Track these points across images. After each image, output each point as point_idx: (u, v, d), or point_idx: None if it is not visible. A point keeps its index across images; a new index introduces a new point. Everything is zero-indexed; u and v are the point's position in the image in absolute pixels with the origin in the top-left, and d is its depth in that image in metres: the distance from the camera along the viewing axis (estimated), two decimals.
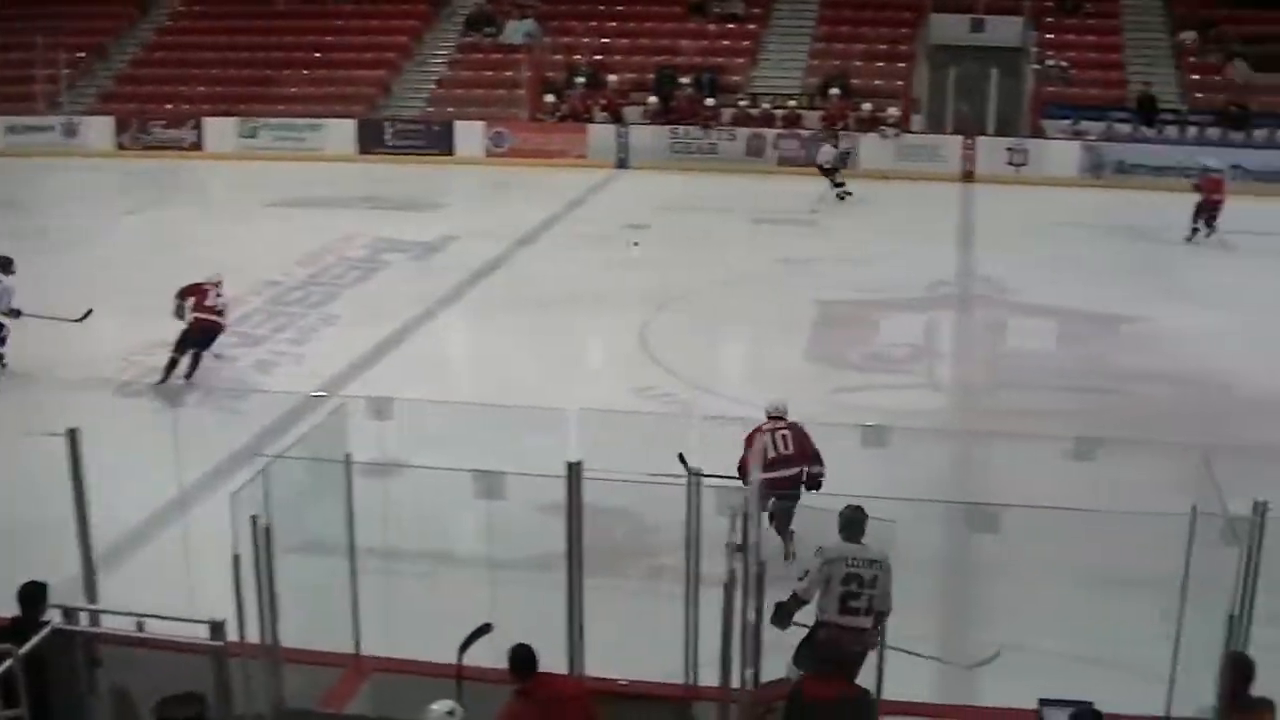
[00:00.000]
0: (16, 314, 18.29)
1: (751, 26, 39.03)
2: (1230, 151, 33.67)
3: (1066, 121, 35.01)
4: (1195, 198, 28.00)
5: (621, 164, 34.72)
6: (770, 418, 14.02)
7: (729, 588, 9.10)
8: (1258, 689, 8.92)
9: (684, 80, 36.40)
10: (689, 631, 10.04)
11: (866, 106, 35.04)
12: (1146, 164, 33.88)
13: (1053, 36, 37.82)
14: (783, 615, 10.38)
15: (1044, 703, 9.35)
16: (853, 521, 10.41)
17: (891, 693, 9.17)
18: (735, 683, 9.32)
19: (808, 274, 24.51)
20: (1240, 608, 8.93)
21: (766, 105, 35.68)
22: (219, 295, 18.38)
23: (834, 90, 35.31)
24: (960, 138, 34.76)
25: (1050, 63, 36.48)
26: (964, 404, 18.81)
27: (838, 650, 9.90)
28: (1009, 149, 34.42)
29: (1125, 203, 31.53)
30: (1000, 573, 13.19)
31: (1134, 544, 11.39)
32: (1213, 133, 34.62)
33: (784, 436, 13.78)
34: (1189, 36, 37.39)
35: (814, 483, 13.66)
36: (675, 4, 39.67)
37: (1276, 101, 35.24)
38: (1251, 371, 20.03)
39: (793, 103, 35.91)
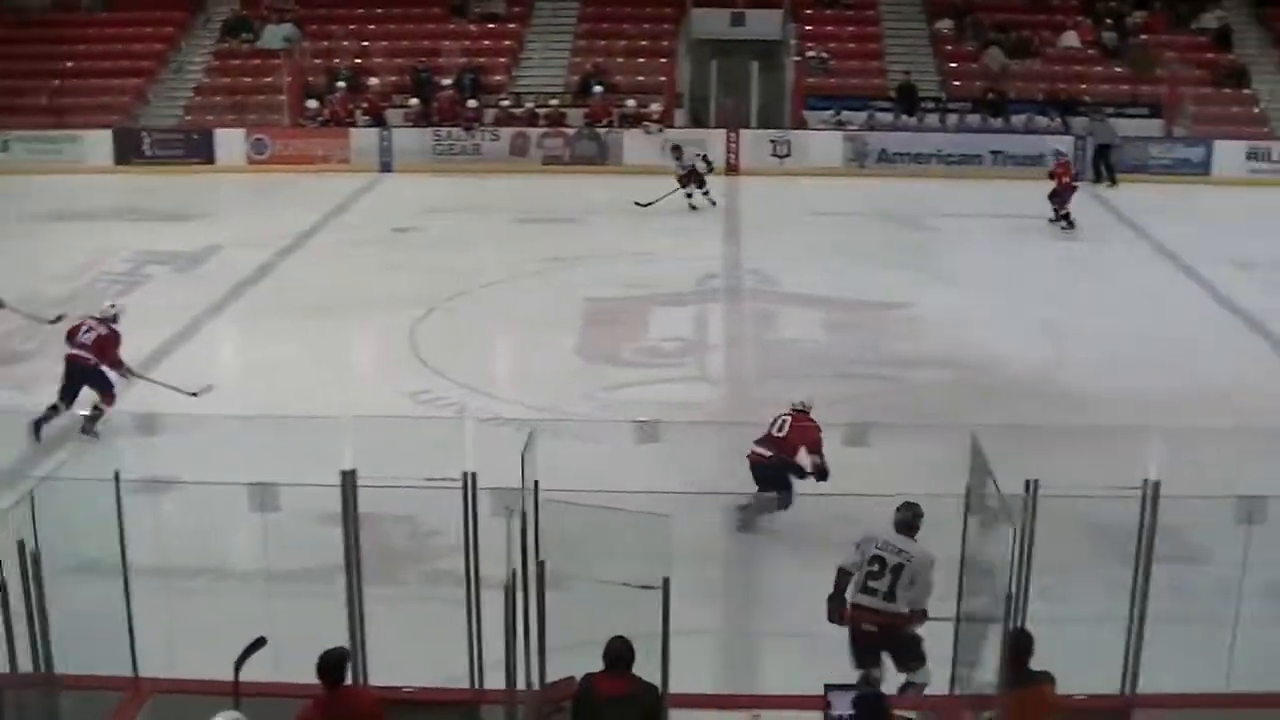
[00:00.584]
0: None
1: (512, 26, 38.92)
2: (988, 138, 34.49)
3: (828, 112, 35.45)
4: (1048, 185, 28.57)
5: (385, 168, 34.34)
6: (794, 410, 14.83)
7: (510, 589, 9.02)
8: (1036, 663, 9.09)
9: (445, 82, 36.14)
10: (472, 635, 9.94)
11: (630, 103, 35.13)
12: (908, 152, 34.51)
13: (812, 28, 38.33)
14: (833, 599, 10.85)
15: (829, 687, 9.40)
16: (904, 521, 10.73)
17: (678, 685, 9.14)
18: (521, 684, 9.25)
19: (576, 272, 24.51)
20: (1016, 585, 9.07)
21: (529, 105, 35.56)
22: (88, 329, 17.09)
23: (597, 88, 35.34)
24: (724, 131, 34.97)
25: (811, 54, 36.94)
26: (736, 395, 18.92)
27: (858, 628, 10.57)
28: (772, 141, 34.78)
29: (889, 191, 32.07)
30: (780, 561, 13.29)
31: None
32: (972, 119, 35.35)
33: (785, 421, 14.65)
34: (945, 25, 38.20)
35: (800, 473, 14.27)
36: (435, 5, 39.38)
37: (1031, 87, 36.14)
38: (1016, 351, 20.52)
39: (555, 101, 35.85)
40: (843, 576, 10.79)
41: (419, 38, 38.38)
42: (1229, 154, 34.41)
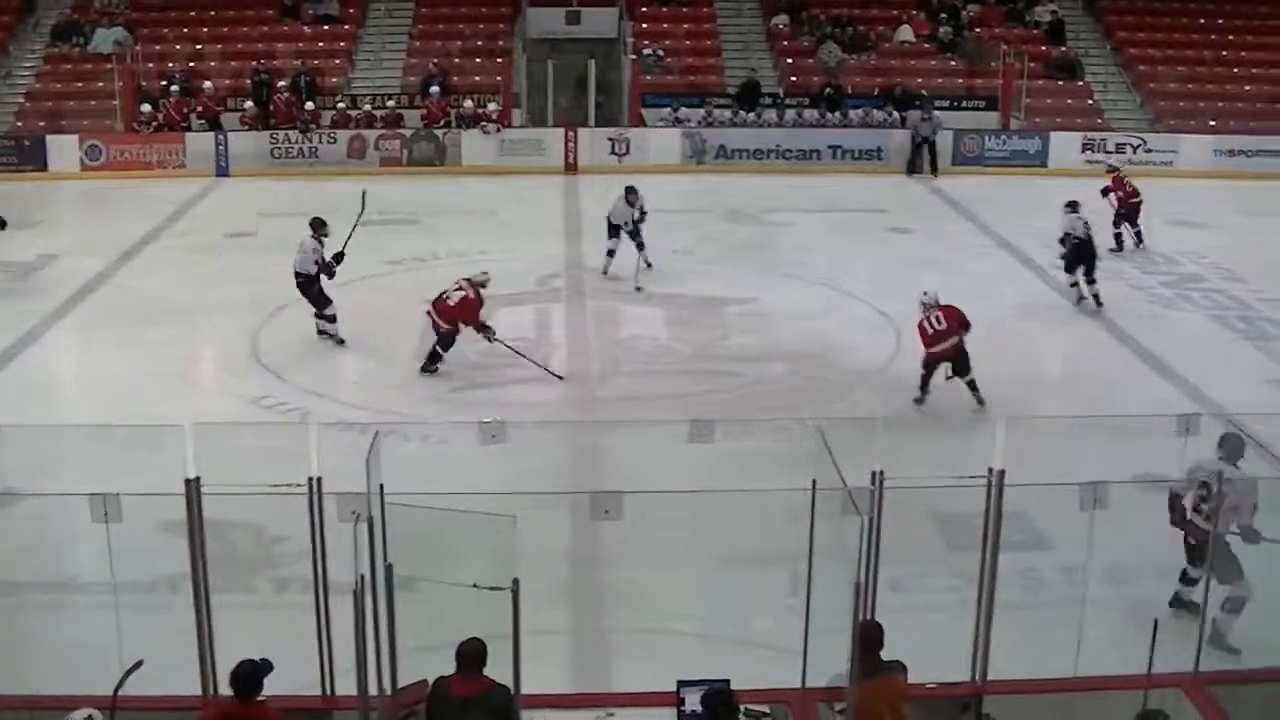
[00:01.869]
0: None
1: (347, 27, 38.58)
2: (825, 133, 34.76)
3: (666, 109, 35.49)
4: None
5: (221, 172, 33.81)
6: (926, 307, 18.21)
7: (358, 594, 8.90)
8: (887, 653, 9.13)
9: (281, 84, 35.69)
10: (322, 640, 9.81)
11: (468, 103, 34.91)
12: (747, 148, 34.66)
13: (648, 26, 38.41)
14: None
15: (682, 684, 9.38)
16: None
17: (531, 685, 9.08)
18: (373, 689, 9.13)
19: (418, 274, 24.28)
20: (865, 576, 9.10)
21: (366, 106, 35.20)
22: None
23: (434, 88, 35.08)
24: (562, 130, 34.90)
25: (647, 52, 36.98)
26: (581, 394, 18.86)
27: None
28: (611, 139, 34.73)
29: (728, 187, 32.18)
30: (630, 559, 13.26)
31: (759, 521, 11.56)
32: (809, 115, 35.58)
33: (938, 316, 18.08)
34: (781, 21, 38.45)
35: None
36: (268, 6, 38.92)
37: (867, 82, 36.48)
38: (858, 343, 20.66)
39: (392, 103, 35.55)
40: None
41: (253, 40, 37.89)
42: (1064, 145, 35.02)
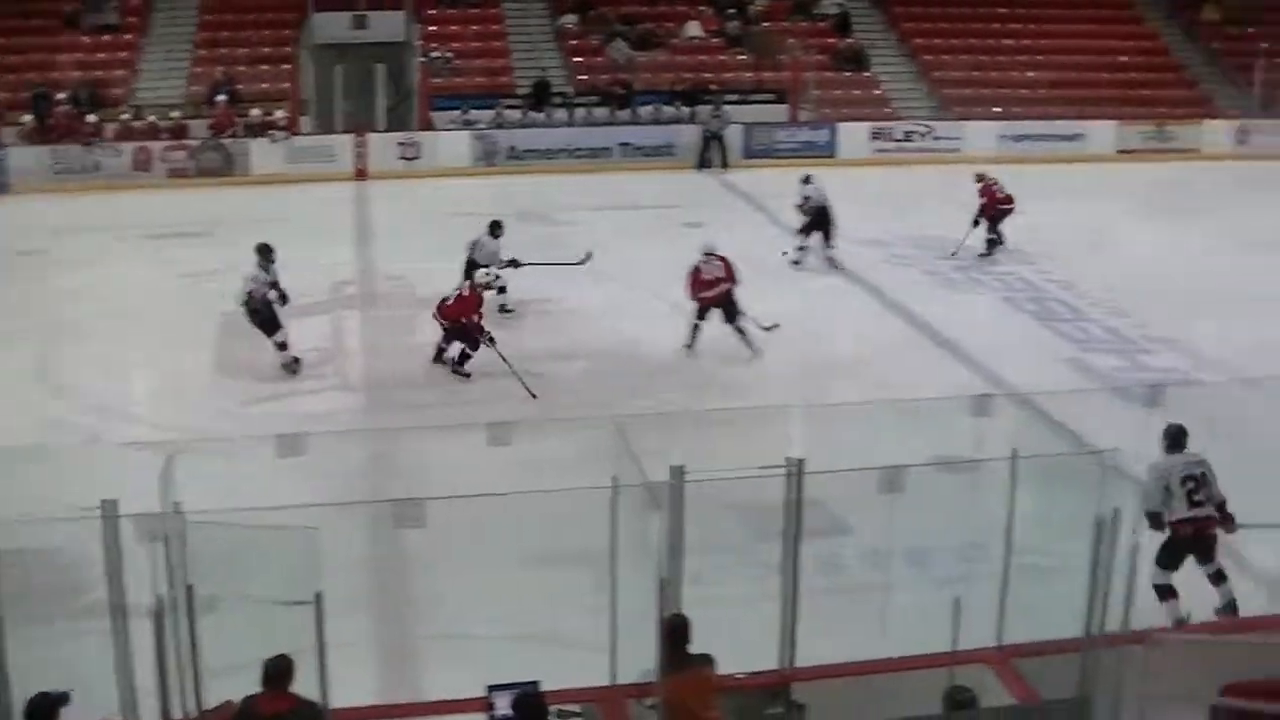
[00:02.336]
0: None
1: (129, 37, 37.67)
2: (616, 130, 34.84)
3: (456, 112, 35.28)
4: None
5: (1, 188, 32.92)
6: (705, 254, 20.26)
7: (158, 616, 8.70)
8: (695, 646, 9.12)
9: (60, 97, 34.78)
10: (122, 666, 9.55)
11: (255, 112, 34.39)
12: (538, 148, 34.59)
13: (436, 28, 38.13)
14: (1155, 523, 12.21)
15: (491, 688, 9.30)
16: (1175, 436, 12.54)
17: (340, 699, 8.93)
18: (177, 712, 8.93)
19: (210, 285, 23.80)
20: (670, 570, 9.09)
21: (151, 117, 34.47)
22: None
23: (220, 97, 34.47)
24: (351, 136, 34.54)
25: (435, 54, 36.73)
26: (379, 402, 18.66)
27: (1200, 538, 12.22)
28: (400, 144, 34.44)
29: (520, 188, 32.04)
30: (435, 565, 13.12)
31: (563, 521, 11.49)
32: (600, 113, 35.62)
33: (715, 264, 20.18)
34: (570, 20, 38.42)
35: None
36: (48, 17, 37.92)
37: (657, 79, 36.59)
38: (656, 339, 20.69)
39: (177, 113, 34.84)
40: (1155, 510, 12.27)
41: (31, 52, 36.87)
42: (853, 135, 35.48)
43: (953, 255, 26.25)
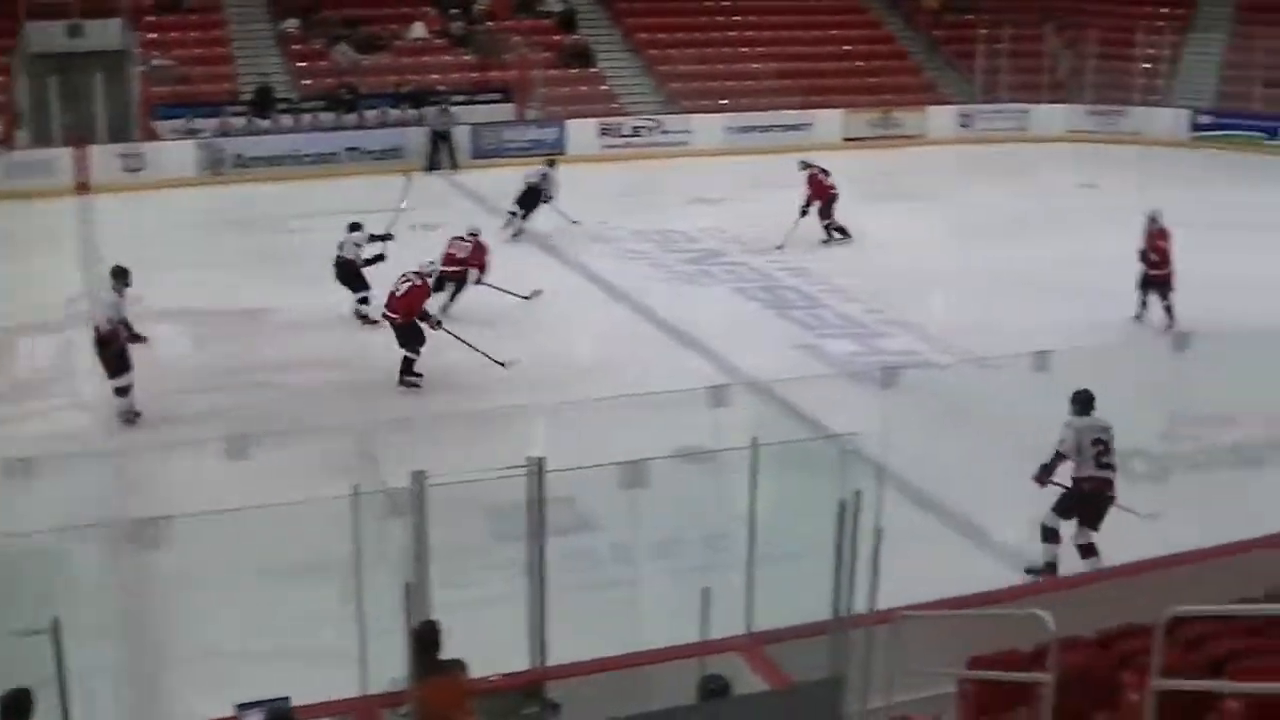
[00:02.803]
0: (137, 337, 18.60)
1: None
2: (343, 135, 34.50)
3: (180, 121, 34.56)
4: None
5: None
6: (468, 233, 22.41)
7: None
8: (448, 651, 9.07)
9: None
10: None
11: None
12: (265, 155, 34.04)
13: (155, 36, 37.18)
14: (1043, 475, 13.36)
15: (241, 707, 9.12)
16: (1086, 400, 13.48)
17: None
18: None
19: None
20: (416, 575, 9.02)
21: None
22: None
23: None
24: (70, 149, 33.58)
25: (156, 63, 35.91)
26: (111, 421, 18.17)
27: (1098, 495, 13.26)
28: (123, 155, 33.56)
29: (247, 196, 31.56)
30: (181, 584, 12.87)
31: (307, 532, 11.35)
32: (326, 118, 35.21)
33: (468, 247, 22.29)
34: (292, 24, 37.85)
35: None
36: None
37: (383, 81, 36.27)
38: (391, 344, 20.49)
39: None
40: (1057, 460, 13.36)
41: None
42: (581, 132, 35.61)
43: (779, 249, 26.60)
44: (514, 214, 26.88)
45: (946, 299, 23.88)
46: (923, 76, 41.45)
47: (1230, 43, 41.91)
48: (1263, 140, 38.57)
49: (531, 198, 27.31)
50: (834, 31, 41.88)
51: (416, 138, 34.70)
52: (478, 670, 9.28)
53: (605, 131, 35.94)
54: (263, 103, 35.01)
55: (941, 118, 39.85)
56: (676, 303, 22.88)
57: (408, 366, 19.14)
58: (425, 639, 8.95)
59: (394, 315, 19.27)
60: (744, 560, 10.81)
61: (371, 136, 34.76)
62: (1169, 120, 40.06)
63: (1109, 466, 13.44)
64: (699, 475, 12.46)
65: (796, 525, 11.77)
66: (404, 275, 19.63)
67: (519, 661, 10.03)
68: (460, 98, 35.89)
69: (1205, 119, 39.79)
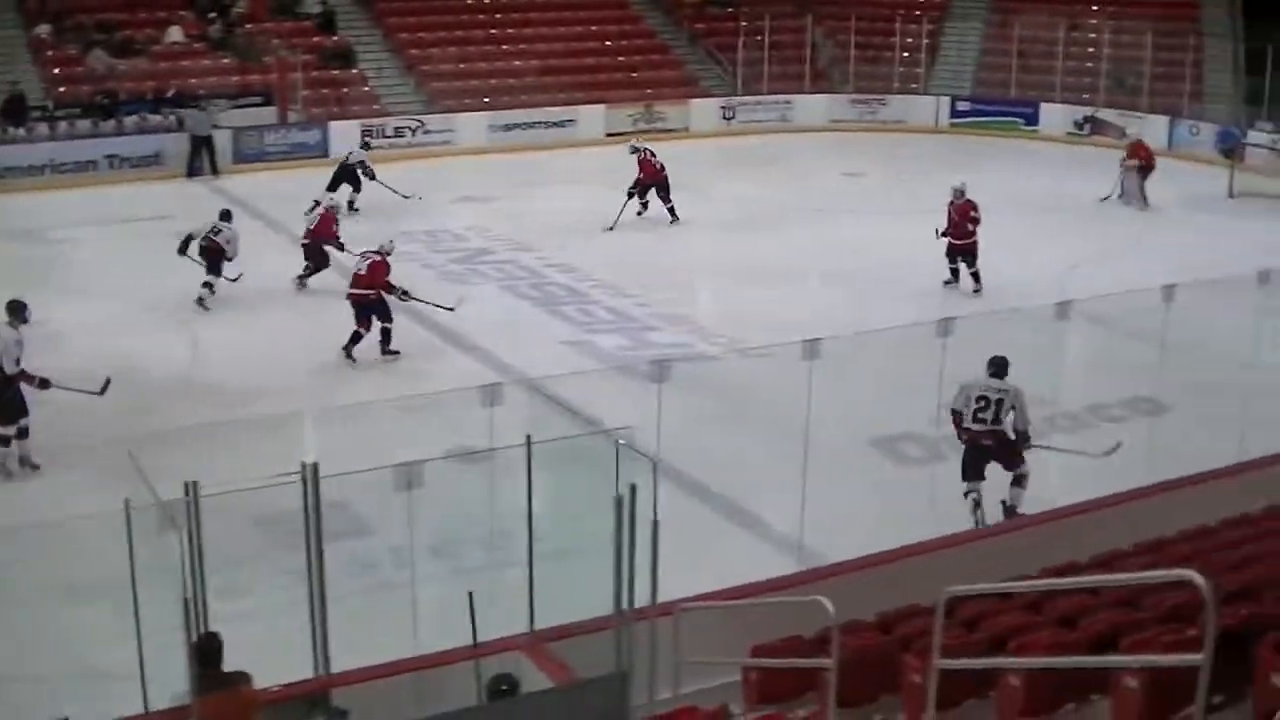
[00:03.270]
0: (44, 384, 16.63)
1: None
2: (101, 142, 33.70)
3: None
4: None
5: None
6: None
7: None
8: (230, 663, 8.97)
9: None
10: None
11: None
12: (19, 165, 33.08)
13: None
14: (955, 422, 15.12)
15: None
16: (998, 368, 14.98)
17: None
18: None
19: None
20: (193, 588, 8.92)
21: None
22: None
23: None
24: None
25: None
26: None
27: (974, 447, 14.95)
28: None
29: (4, 207, 30.68)
30: None
31: (81, 550, 11.16)
32: (83, 125, 34.36)
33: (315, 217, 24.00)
34: (44, 30, 36.81)
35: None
36: None
37: (141, 86, 35.49)
38: (158, 354, 20.21)
39: None
40: (956, 415, 15.03)
41: None
42: (344, 134, 35.20)
43: (610, 229, 27.34)
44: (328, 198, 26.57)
45: (714, 291, 24.22)
46: (684, 70, 41.79)
47: (986, 30, 43.10)
48: (1020, 125, 39.62)
49: (345, 177, 28.38)
50: (595, 27, 42.06)
51: (179, 143, 33.99)
52: (261, 681, 9.20)
53: (368, 133, 35.64)
54: (16, 111, 34.04)
55: (704, 111, 40.27)
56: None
57: (387, 338, 20.38)
58: (206, 652, 8.85)
59: (364, 292, 20.19)
60: (524, 558, 10.85)
61: (131, 143, 33.92)
62: (929, 108, 41.11)
63: (983, 421, 14.81)
64: (475, 475, 12.49)
65: (575, 521, 11.86)
66: (363, 253, 20.78)
67: (303, 670, 9.97)
68: (221, 102, 35.28)
69: (964, 105, 40.85)
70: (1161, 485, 14.04)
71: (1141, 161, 31.35)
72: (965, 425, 14.95)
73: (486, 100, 37.96)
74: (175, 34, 37.49)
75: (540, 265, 25.39)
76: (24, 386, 16.54)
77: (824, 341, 13.09)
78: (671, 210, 28.37)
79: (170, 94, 35.03)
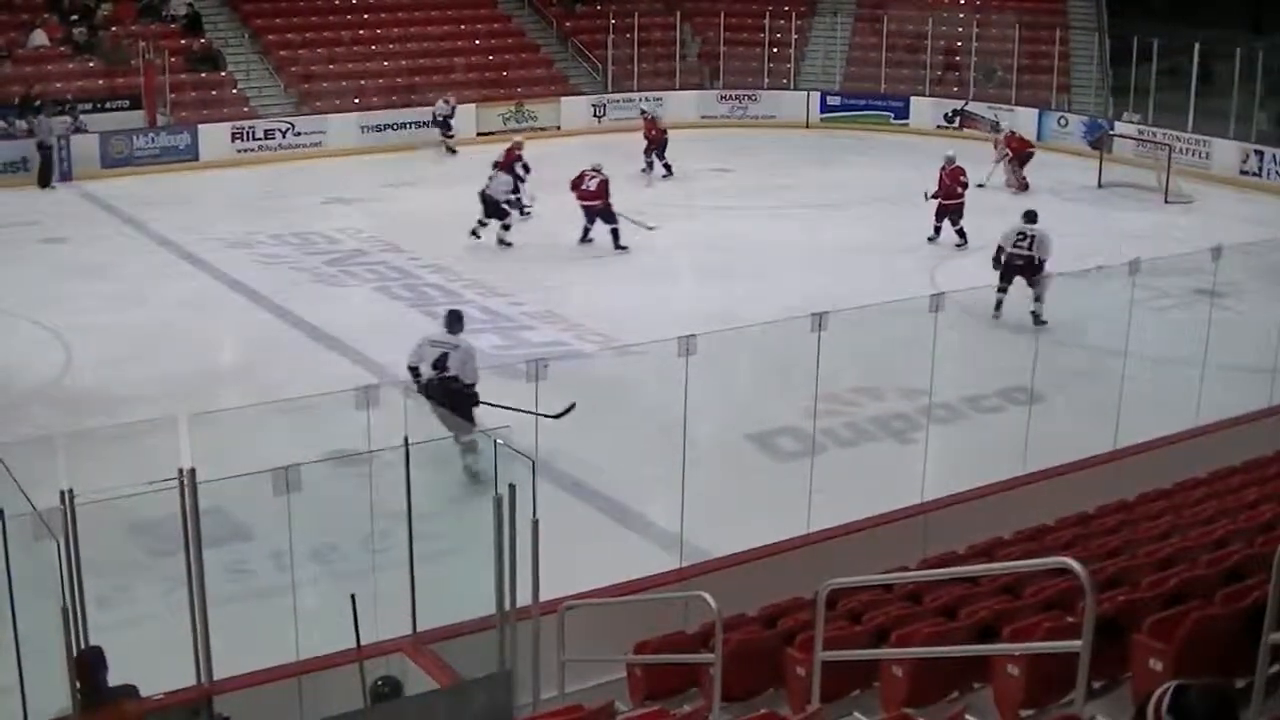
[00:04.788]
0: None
1: None
2: None
3: None
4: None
5: None
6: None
7: None
8: (114, 673, 8.86)
9: None
10: None
11: None
12: None
13: None
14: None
15: None
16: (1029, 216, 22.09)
17: None
18: None
19: None
20: (71, 598, 8.79)
21: None
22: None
23: None
24: None
25: None
26: None
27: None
28: None
29: None
30: None
31: None
32: None
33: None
34: None
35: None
36: None
37: (4, 91, 34.74)
38: (25, 362, 19.94)
39: None
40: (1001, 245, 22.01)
41: None
42: (214, 137, 34.94)
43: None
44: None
45: (587, 289, 24.20)
46: (555, 69, 41.79)
47: (855, 26, 43.45)
48: (889, 120, 40.00)
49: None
50: (464, 26, 41.94)
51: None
52: (143, 690, 9.10)
53: (238, 135, 35.33)
54: None
55: (574, 109, 40.34)
56: (319, 305, 22.69)
57: (617, 237, 26.11)
58: (88, 666, 8.72)
59: (594, 202, 26.11)
60: (405, 560, 10.80)
61: None
62: (799, 103, 41.38)
63: (1020, 248, 21.85)
64: (353, 478, 12.38)
65: (455, 522, 11.82)
66: (590, 172, 26.48)
67: (184, 677, 9.85)
68: (87, 106, 34.74)
69: (834, 100, 41.14)
70: (1040, 473, 14.25)
71: (1010, 152, 32.43)
72: (1007, 250, 21.79)
73: (357, 101, 37.75)
74: (39, 38, 36.86)
75: (413, 266, 25.28)
76: None
77: (699, 337, 13.11)
78: (666, 167, 33.76)
79: (35, 99, 34.33)
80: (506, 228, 26.83)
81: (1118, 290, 16.74)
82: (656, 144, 33.98)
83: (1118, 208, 30.57)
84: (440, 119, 36.81)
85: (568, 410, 15.57)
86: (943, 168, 27.05)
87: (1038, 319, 21.08)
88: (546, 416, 14.91)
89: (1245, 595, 7.82)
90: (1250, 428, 15.62)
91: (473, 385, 16.01)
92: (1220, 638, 7.52)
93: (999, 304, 21.50)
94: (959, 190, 26.88)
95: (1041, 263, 21.46)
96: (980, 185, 30.51)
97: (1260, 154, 33.57)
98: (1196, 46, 35.80)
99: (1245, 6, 42.50)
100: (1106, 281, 18.18)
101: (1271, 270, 22.35)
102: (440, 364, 16.10)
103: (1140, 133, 35.21)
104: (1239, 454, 13.91)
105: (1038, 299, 21.22)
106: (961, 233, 26.59)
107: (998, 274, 21.62)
